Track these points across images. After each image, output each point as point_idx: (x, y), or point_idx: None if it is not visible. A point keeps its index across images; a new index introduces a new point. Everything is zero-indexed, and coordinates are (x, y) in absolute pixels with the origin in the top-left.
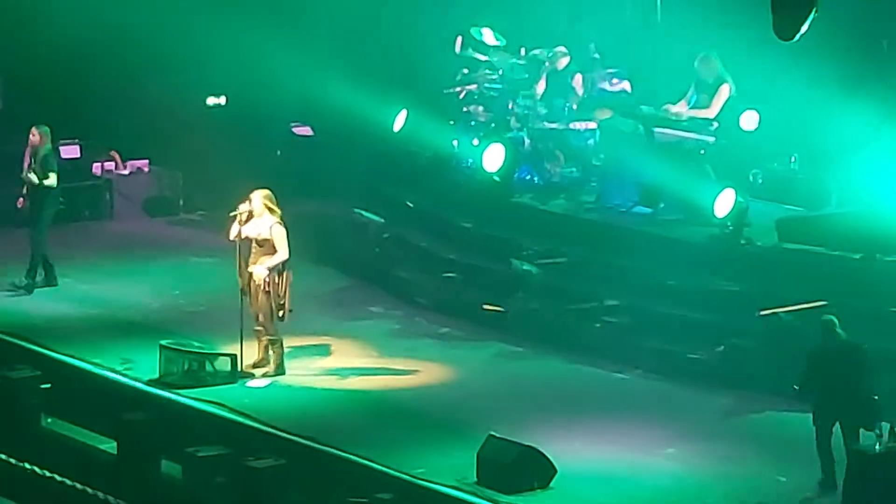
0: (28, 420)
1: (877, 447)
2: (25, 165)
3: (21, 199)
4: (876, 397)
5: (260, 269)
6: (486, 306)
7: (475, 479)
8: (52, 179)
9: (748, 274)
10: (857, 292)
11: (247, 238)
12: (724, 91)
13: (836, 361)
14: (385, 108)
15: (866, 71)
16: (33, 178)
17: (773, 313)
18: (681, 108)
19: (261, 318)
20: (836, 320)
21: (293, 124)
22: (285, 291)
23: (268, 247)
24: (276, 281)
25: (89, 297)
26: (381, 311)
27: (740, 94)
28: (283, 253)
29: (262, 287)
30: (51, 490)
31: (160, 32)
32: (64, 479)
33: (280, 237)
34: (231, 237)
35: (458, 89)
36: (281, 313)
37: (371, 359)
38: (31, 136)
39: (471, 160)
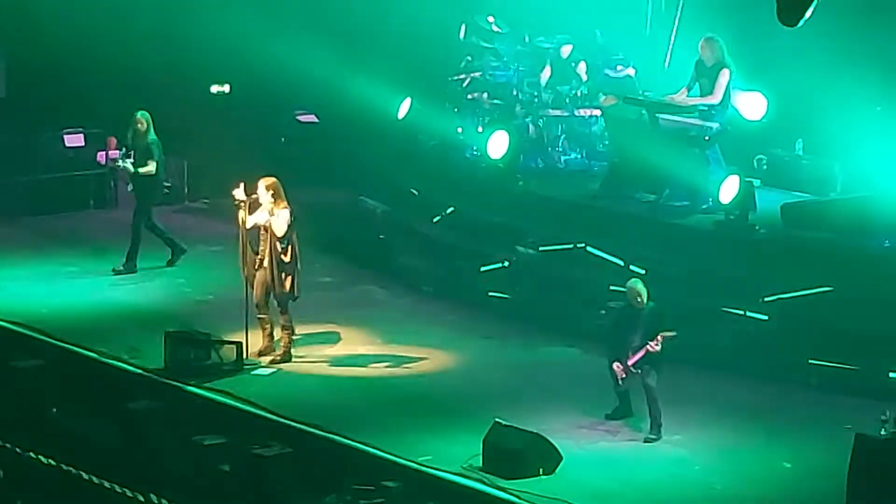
0: (34, 410)
1: (882, 432)
2: (113, 152)
3: (129, 186)
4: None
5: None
6: (491, 293)
7: (481, 465)
8: (150, 167)
9: (753, 260)
10: (863, 278)
11: (255, 226)
12: (725, 76)
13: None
14: (390, 96)
15: (872, 56)
16: (129, 167)
17: (779, 299)
18: (682, 97)
19: (274, 303)
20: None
21: (298, 112)
22: (293, 271)
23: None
24: (284, 260)
25: (95, 287)
26: (387, 298)
27: (745, 78)
28: (279, 230)
29: (267, 270)
30: (57, 479)
31: (164, 20)
32: (70, 469)
33: (283, 218)
34: (247, 226)
35: (462, 77)
36: (292, 292)
37: (376, 346)
38: (137, 123)
39: (475, 147)
